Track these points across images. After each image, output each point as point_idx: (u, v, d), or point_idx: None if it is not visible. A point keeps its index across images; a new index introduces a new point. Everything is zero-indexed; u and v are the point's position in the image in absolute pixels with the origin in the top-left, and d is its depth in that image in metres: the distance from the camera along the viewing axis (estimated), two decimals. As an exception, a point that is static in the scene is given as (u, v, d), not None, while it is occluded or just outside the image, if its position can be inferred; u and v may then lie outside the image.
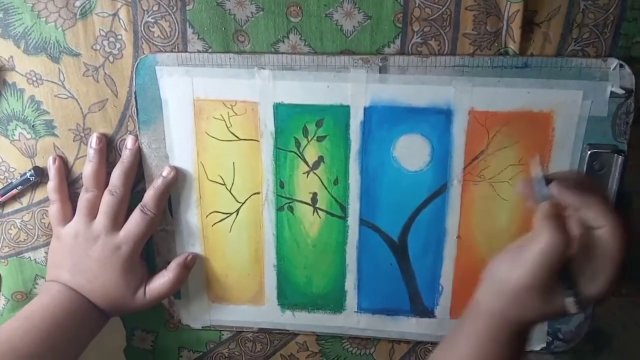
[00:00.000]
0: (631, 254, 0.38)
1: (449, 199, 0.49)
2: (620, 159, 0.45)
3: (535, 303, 0.39)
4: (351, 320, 0.55)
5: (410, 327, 0.54)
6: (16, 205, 0.53)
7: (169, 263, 0.53)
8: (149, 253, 0.54)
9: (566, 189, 0.39)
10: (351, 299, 0.54)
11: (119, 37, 0.47)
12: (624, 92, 0.44)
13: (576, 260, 0.39)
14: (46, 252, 0.54)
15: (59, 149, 0.51)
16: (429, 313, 0.54)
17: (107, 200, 0.49)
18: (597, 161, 0.46)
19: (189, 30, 0.47)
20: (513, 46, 0.45)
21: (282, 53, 0.47)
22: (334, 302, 0.54)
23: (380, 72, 0.46)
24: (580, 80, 0.44)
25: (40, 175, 0.52)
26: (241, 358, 0.59)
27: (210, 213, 0.52)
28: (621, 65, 0.44)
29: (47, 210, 0.52)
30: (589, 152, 0.46)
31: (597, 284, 0.38)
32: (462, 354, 0.42)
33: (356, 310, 0.54)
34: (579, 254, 0.38)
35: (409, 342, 0.57)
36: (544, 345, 0.54)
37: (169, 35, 0.47)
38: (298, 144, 0.49)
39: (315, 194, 0.51)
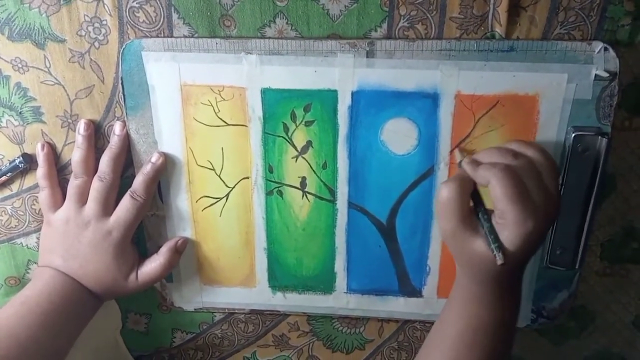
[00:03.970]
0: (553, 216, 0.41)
1: (436, 182, 0.50)
2: (604, 141, 0.46)
3: (461, 244, 0.42)
4: (341, 300, 0.56)
5: (398, 306, 0.56)
6: (6, 192, 0.53)
7: (160, 247, 0.53)
8: (140, 237, 0.54)
9: (466, 163, 0.43)
10: (341, 280, 0.55)
11: (104, 22, 0.47)
12: (608, 75, 0.44)
13: (494, 215, 0.41)
14: (38, 238, 0.54)
15: (47, 135, 0.51)
16: (416, 293, 0.55)
17: (96, 187, 0.50)
18: (581, 143, 0.46)
19: (175, 15, 0.46)
20: (499, 30, 0.45)
21: (269, 38, 0.46)
22: (324, 284, 0.55)
23: (367, 57, 0.46)
24: (565, 64, 0.45)
25: (29, 161, 0.52)
26: (234, 338, 0.61)
27: (200, 198, 0.52)
28: (605, 49, 0.44)
29: (37, 197, 0.52)
30: (574, 135, 0.46)
31: (507, 235, 0.40)
32: (448, 320, 0.45)
33: (345, 291, 0.55)
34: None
35: (398, 320, 0.58)
36: (529, 322, 0.55)
37: (154, 20, 0.46)
38: (286, 128, 0.49)
39: (304, 178, 0.51)
